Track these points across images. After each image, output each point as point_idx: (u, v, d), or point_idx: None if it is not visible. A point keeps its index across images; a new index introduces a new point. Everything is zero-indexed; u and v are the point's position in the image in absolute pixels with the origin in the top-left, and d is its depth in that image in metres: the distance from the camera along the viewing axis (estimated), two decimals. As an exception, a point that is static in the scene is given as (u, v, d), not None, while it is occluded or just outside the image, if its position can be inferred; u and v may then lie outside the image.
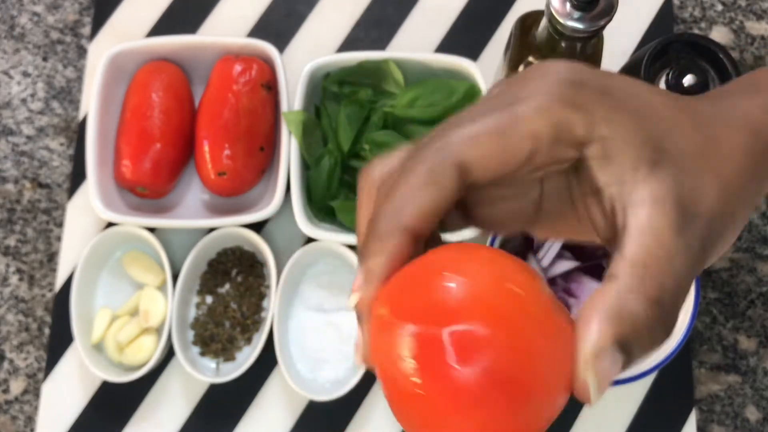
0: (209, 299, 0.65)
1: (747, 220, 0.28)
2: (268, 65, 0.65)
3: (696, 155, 0.25)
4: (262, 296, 0.64)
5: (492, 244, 0.57)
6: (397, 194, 0.25)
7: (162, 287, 0.65)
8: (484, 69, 0.64)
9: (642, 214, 0.24)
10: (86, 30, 0.73)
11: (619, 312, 0.23)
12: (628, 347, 0.23)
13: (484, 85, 0.63)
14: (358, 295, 0.25)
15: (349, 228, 0.63)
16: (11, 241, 0.68)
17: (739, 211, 0.26)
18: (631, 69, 0.53)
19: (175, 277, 0.63)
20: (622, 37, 0.71)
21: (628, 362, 0.23)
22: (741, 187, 0.26)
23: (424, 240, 0.26)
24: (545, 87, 0.25)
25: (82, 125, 0.70)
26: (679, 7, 0.74)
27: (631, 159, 0.24)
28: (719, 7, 0.74)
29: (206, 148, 0.63)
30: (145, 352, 0.62)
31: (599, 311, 0.23)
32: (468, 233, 0.60)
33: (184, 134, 0.65)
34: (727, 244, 0.27)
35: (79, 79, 0.72)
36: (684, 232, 0.24)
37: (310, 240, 0.65)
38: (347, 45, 0.72)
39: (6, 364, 0.65)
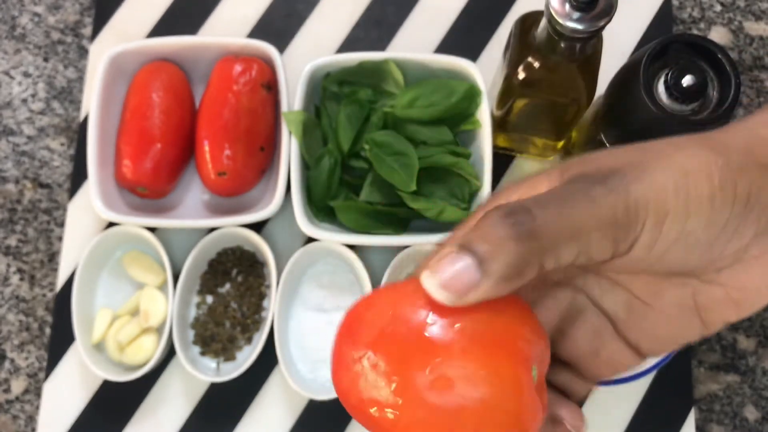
0: (210, 299, 0.65)
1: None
2: (269, 65, 0.66)
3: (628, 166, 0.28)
4: (262, 296, 0.65)
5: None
6: None
7: (162, 287, 0.65)
8: (484, 69, 0.64)
9: None
10: (87, 30, 0.73)
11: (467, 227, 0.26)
12: (473, 250, 0.25)
13: (483, 86, 0.63)
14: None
15: (349, 228, 0.63)
16: (12, 241, 0.68)
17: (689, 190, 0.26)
18: (629, 69, 0.53)
19: (175, 277, 0.63)
20: (621, 38, 0.71)
21: (483, 266, 0.25)
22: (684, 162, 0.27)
23: None
24: None
25: (83, 125, 0.70)
26: (678, 7, 0.74)
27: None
28: (718, 8, 0.74)
29: (206, 148, 0.63)
30: (146, 351, 0.62)
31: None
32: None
33: (184, 134, 0.65)
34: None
35: (80, 79, 0.72)
36: (573, 183, 0.27)
37: (310, 240, 0.65)
38: (347, 45, 0.73)
39: (7, 364, 0.65)
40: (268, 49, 0.65)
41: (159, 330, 0.64)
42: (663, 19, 0.73)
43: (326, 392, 0.60)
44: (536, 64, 0.54)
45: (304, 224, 0.61)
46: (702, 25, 0.74)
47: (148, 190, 0.64)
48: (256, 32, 0.73)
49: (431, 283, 0.25)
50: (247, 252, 0.66)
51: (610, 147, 0.29)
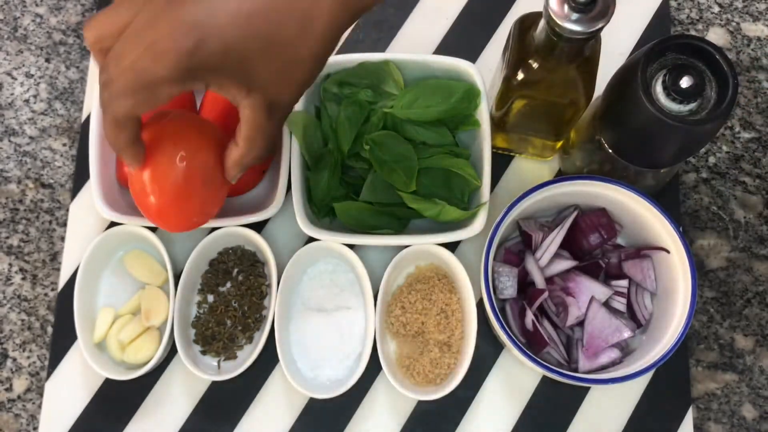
0: (210, 298, 0.65)
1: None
2: (269, 66, 0.66)
3: (274, 80, 0.43)
4: (263, 295, 0.65)
5: (491, 242, 0.58)
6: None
7: (164, 286, 0.65)
8: (483, 70, 0.64)
9: (246, 113, 0.45)
10: (88, 31, 0.74)
11: (233, 149, 0.49)
12: (240, 161, 0.49)
13: (482, 86, 0.63)
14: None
15: (349, 228, 0.63)
16: (14, 241, 0.68)
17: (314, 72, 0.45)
18: (628, 70, 0.53)
19: (176, 277, 0.64)
20: (619, 39, 0.72)
21: (241, 162, 0.49)
22: (312, 71, 0.44)
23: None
24: None
25: (85, 126, 0.71)
26: (676, 8, 0.75)
27: (236, 90, 0.43)
28: (716, 9, 0.75)
29: (208, 148, 0.63)
30: (147, 350, 0.63)
31: (230, 153, 0.50)
32: (475, 231, 0.60)
33: (185, 135, 0.65)
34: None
35: (82, 80, 0.72)
36: (271, 117, 0.45)
37: (310, 239, 0.65)
38: (347, 46, 0.73)
39: (9, 363, 0.65)
40: (269, 50, 0.66)
41: (160, 329, 0.64)
42: (661, 20, 0.74)
43: (326, 391, 0.61)
44: (535, 65, 0.55)
45: (305, 224, 0.61)
46: (700, 26, 0.74)
47: (149, 190, 0.64)
48: (257, 33, 0.73)
49: (233, 172, 0.51)
50: (247, 251, 0.66)
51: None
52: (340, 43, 0.73)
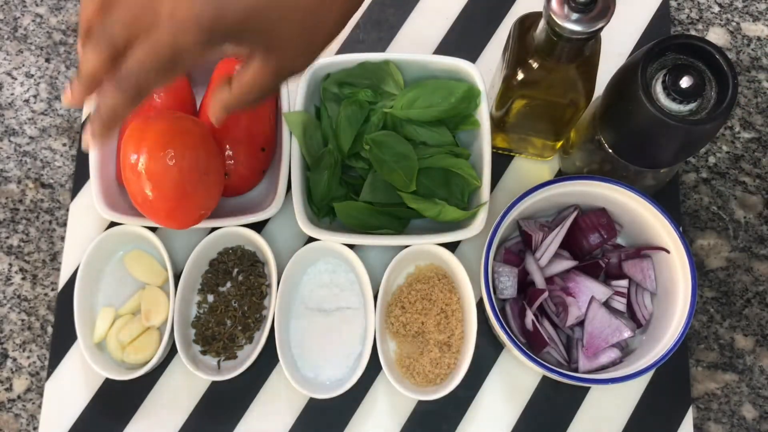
0: (211, 298, 0.65)
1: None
2: (269, 66, 0.66)
3: (293, 45, 0.42)
4: (263, 295, 0.65)
5: (491, 242, 0.58)
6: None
7: (164, 286, 0.65)
8: (483, 70, 0.64)
9: (253, 70, 0.43)
10: (88, 31, 0.74)
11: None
12: (227, 104, 0.45)
13: (482, 86, 0.63)
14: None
15: (350, 228, 0.63)
16: (14, 241, 0.68)
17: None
18: (628, 70, 0.53)
19: (176, 277, 0.64)
20: (619, 39, 0.72)
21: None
22: (331, 38, 0.44)
23: None
24: None
25: (85, 126, 0.71)
26: (676, 8, 0.75)
27: (252, 51, 0.43)
28: (716, 9, 0.75)
29: (208, 148, 0.63)
30: (147, 350, 0.63)
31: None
32: (475, 231, 0.60)
33: (185, 135, 0.65)
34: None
35: (82, 80, 0.72)
36: (276, 80, 0.44)
37: (310, 239, 0.65)
38: (347, 46, 0.73)
39: (9, 363, 0.65)
40: (269, 50, 0.66)
41: (160, 329, 0.64)
42: (661, 20, 0.74)
43: (326, 391, 0.61)
44: (535, 65, 0.55)
45: (305, 224, 0.61)
46: (700, 26, 0.74)
47: (149, 190, 0.64)
48: (257, 33, 0.73)
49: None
50: (247, 251, 0.66)
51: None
52: (341, 42, 0.73)
